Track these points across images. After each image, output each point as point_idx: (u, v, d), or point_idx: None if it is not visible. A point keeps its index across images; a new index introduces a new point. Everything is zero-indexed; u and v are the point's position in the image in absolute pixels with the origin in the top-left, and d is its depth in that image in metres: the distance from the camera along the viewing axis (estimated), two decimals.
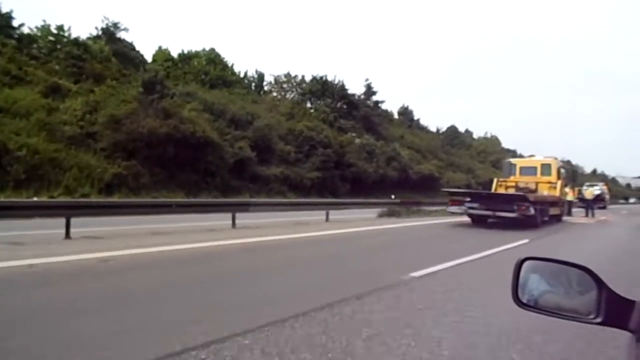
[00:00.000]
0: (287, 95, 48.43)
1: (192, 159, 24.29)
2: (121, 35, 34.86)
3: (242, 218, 11.11)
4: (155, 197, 20.65)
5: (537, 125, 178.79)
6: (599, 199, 39.30)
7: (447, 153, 70.66)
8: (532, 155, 20.97)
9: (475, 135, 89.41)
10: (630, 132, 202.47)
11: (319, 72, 48.06)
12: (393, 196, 31.74)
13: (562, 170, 19.27)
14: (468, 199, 14.15)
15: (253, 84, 47.87)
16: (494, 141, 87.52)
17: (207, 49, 41.44)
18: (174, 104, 24.05)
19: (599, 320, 1.12)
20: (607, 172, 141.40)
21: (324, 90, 45.91)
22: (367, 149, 41.78)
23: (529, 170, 18.35)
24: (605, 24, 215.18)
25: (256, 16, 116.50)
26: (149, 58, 39.70)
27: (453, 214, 14.55)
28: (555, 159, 18.93)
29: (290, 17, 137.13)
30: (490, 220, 13.84)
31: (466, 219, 14.54)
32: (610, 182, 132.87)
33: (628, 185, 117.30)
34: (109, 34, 33.07)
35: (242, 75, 46.23)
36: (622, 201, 76.32)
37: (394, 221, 14.48)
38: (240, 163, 27.29)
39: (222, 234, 9.43)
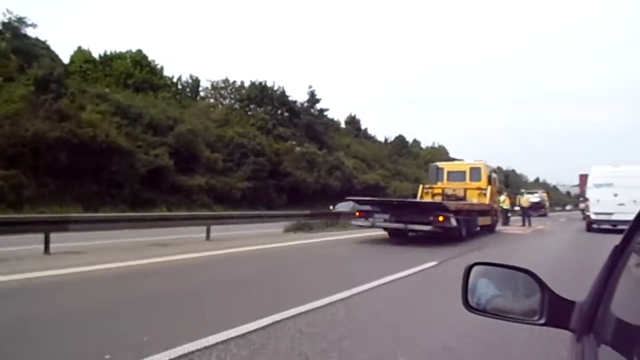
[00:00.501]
0: (225, 102, 45.68)
1: (94, 167, 21.18)
2: (28, 31, 31.14)
3: (76, 239, 8.42)
4: (42, 211, 17.51)
5: (485, 136, 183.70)
6: (539, 206, 38.93)
7: (395, 162, 69.84)
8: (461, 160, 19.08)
9: (423, 145, 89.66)
10: (568, 144, 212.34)
11: (261, 79, 45.83)
12: (332, 207, 29.69)
13: (494, 176, 17.46)
14: (377, 209, 11.93)
15: (188, 90, 44.80)
16: (441, 150, 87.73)
17: (134, 50, 38.21)
18: (72, 106, 20.94)
19: (542, 321, 1.17)
20: (548, 181, 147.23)
21: (263, 96, 43.49)
22: (307, 158, 39.63)
23: (457, 175, 16.20)
24: (540, 47, 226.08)
25: (193, 19, 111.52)
26: (66, 58, 36.01)
27: (361, 227, 12.17)
28: (485, 163, 16.93)
29: (230, 22, 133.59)
30: (411, 234, 11.71)
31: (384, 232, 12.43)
32: (552, 190, 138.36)
33: (568, 193, 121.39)
34: (12, 29, 29.42)
35: (175, 79, 43.09)
36: (558, 208, 77.98)
37: (299, 237, 12.09)
38: (155, 172, 24.32)
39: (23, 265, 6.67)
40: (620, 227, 14.77)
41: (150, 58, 38.98)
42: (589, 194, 18.92)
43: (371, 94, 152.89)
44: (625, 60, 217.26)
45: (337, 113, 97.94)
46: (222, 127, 33.83)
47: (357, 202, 14.07)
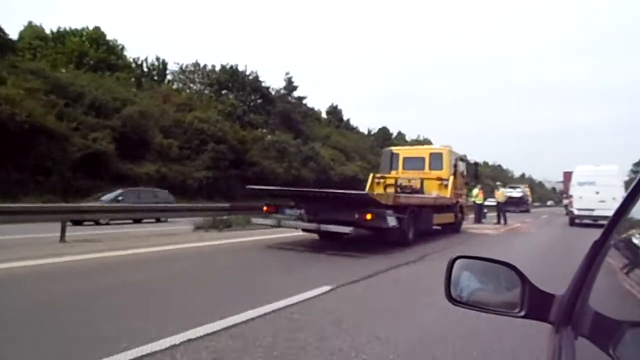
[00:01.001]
0: (195, 87, 42.94)
1: (14, 151, 18.53)
2: None
3: None
4: None
5: (471, 132, 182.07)
6: (521, 202, 36.90)
7: (377, 155, 67.61)
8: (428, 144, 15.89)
9: (408, 138, 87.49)
10: (555, 141, 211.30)
11: (235, 64, 43.09)
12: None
13: (460, 165, 14.52)
14: (292, 203, 9.26)
15: (154, 72, 41.95)
16: (425, 144, 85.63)
17: (91, 27, 35.27)
18: None
19: (522, 313, 1.18)
20: (535, 177, 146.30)
21: (233, 81, 40.80)
22: (278, 147, 37.10)
23: (414, 163, 13.52)
24: (532, 42, 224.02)
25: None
26: (14, 34, 33.01)
27: (271, 226, 9.15)
28: (451, 149, 13.84)
29: (205, 4, 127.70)
30: (345, 236, 8.52)
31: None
32: (537, 186, 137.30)
33: (553, 189, 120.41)
34: None
35: (140, 61, 40.24)
36: (537, 204, 76.89)
37: (204, 237, 9.55)
38: (92, 158, 21.63)
39: None
40: (600, 222, 16.07)
41: (109, 37, 36.15)
42: (573, 191, 20.14)
43: (356, 85, 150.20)
44: (609, 58, 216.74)
45: (319, 103, 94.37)
46: (181, 111, 31.14)
47: (255, 191, 11.18)
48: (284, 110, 48.56)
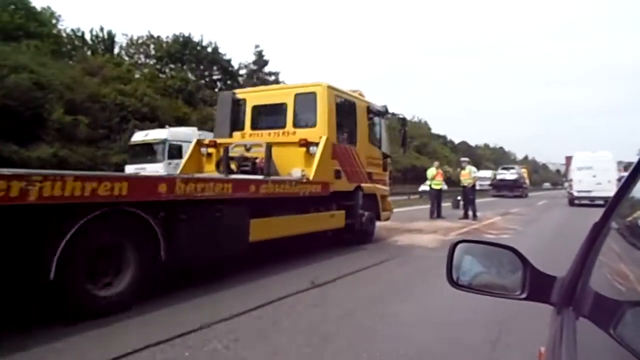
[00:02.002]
0: (147, 60, 37.54)
1: None
2: None
3: None
4: None
5: (474, 115, 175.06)
6: (515, 185, 31.49)
7: None
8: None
9: None
10: (559, 123, 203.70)
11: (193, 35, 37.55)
12: None
13: (377, 122, 9.03)
14: None
15: (100, 45, 36.56)
16: (421, 125, 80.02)
17: None
18: None
19: (524, 295, 1.19)
20: (538, 159, 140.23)
21: (185, 53, 35.37)
22: None
23: (271, 117, 8.02)
24: (528, 26, 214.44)
25: None
26: None
27: None
28: (339, 89, 8.04)
29: None
30: None
31: None
32: (541, 168, 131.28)
33: (558, 171, 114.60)
34: None
35: (80, 32, 34.84)
36: (548, 185, 71.19)
37: None
38: None
39: None
40: (597, 202, 18.76)
41: (34, 4, 30.78)
42: (572, 175, 22.09)
43: (351, 64, 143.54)
44: (612, 37, 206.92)
45: (300, 79, 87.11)
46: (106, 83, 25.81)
47: None
48: (252, 86, 43.12)
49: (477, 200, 25.47)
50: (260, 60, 45.00)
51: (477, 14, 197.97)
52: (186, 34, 35.92)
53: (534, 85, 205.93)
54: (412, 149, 71.82)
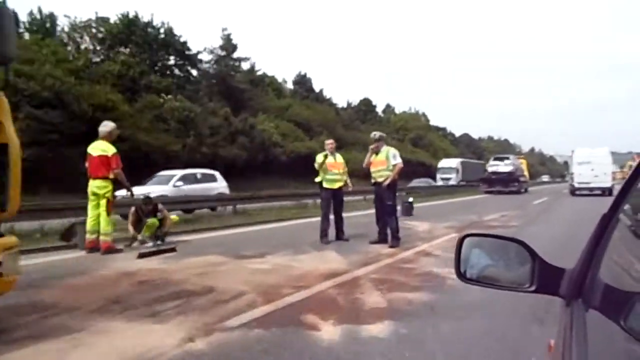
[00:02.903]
0: (91, 44, 33.06)
1: None
2: None
3: None
4: None
5: (479, 109, 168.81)
6: (511, 179, 26.58)
7: (353, 129, 57.51)
8: None
9: (398, 111, 76.89)
10: (565, 116, 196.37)
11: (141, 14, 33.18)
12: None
13: None
14: None
15: (36, 28, 32.21)
16: (417, 117, 75.05)
17: None
18: None
19: (533, 288, 1.18)
20: (545, 151, 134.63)
21: (130, 34, 30.87)
22: (179, 117, 27.31)
23: None
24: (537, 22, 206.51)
25: None
26: None
27: None
28: None
29: None
30: None
31: None
32: (549, 160, 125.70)
33: (565, 162, 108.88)
34: None
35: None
36: (547, 178, 65.47)
37: None
38: None
39: None
40: (594, 192, 23.20)
41: None
42: (574, 169, 25.00)
43: (343, 51, 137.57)
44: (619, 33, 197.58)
45: (285, 72, 79.16)
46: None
47: None
48: (219, 73, 38.75)
49: (453, 200, 20.64)
50: (228, 45, 40.46)
51: (486, 11, 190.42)
52: (133, 14, 31.32)
53: (542, 79, 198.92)
54: (408, 141, 67.26)
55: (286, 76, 57.10)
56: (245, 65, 43.20)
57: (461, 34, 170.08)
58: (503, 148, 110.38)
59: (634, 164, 1.28)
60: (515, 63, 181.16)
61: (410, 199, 12.98)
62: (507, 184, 25.32)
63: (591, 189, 23.40)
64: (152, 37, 31.56)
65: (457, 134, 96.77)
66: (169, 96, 27.57)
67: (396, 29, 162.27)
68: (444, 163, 38.88)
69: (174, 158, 24.87)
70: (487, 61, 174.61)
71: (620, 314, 0.75)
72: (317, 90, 58.91)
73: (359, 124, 61.38)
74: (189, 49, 33.80)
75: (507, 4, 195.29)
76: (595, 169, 23.19)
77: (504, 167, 26.15)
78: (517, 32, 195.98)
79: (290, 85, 57.11)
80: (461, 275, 1.30)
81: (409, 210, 12.49)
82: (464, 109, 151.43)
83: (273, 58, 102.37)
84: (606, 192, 22.37)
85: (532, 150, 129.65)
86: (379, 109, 73.64)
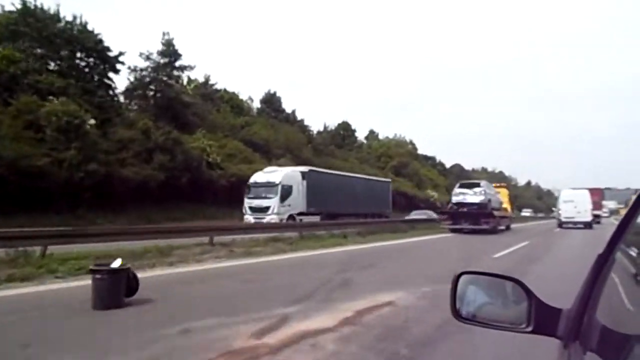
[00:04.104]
0: None
1: None
2: None
3: None
4: None
5: (472, 139, 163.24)
6: (483, 214, 19.89)
7: (326, 154, 51.61)
8: None
9: (382, 136, 71.16)
10: (564, 150, 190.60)
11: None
12: None
13: None
14: None
15: None
16: (402, 143, 69.26)
17: None
18: None
19: (530, 329, 1.14)
20: (543, 185, 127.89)
21: (26, 25, 25.22)
22: (62, 126, 21.22)
23: None
24: (543, 46, 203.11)
25: None
26: None
27: None
28: None
29: None
30: None
31: None
32: (546, 194, 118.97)
33: None
34: None
35: None
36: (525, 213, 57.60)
37: None
38: None
39: None
40: (578, 225, 26.61)
41: None
42: (560, 206, 29.00)
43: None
44: (622, 62, 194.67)
45: (254, 91, 71.50)
46: None
47: None
48: (152, 84, 33.08)
49: (385, 243, 14.57)
50: (170, 51, 34.89)
51: (477, 38, 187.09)
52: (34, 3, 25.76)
53: (539, 110, 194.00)
54: (389, 169, 61.28)
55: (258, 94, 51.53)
56: (193, 76, 37.74)
57: (454, 66, 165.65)
58: (497, 180, 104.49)
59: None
60: (513, 95, 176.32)
61: None
62: (476, 219, 19.04)
63: (575, 223, 26.90)
64: (56, 31, 25.88)
65: (449, 164, 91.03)
66: (51, 97, 21.60)
67: (389, 56, 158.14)
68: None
69: (37, 176, 18.67)
70: (484, 92, 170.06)
71: (619, 357, 0.73)
72: (289, 111, 53.37)
73: (334, 149, 55.55)
74: (108, 49, 28.05)
75: (507, 35, 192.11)
76: (577, 206, 27.05)
77: (472, 196, 19.60)
78: (516, 65, 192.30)
79: (257, 104, 51.62)
80: (457, 315, 1.26)
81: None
82: (456, 140, 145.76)
83: (248, 76, 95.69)
84: (587, 225, 26.32)
85: (529, 183, 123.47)
86: (362, 134, 68.28)
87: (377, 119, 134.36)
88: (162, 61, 34.41)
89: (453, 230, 19.41)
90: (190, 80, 42.65)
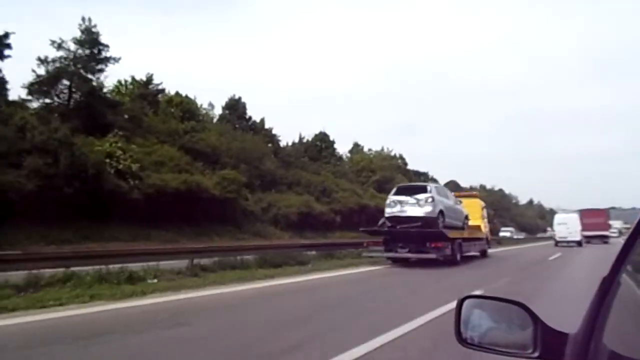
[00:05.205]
0: None
1: None
2: None
3: None
4: None
5: (472, 158, 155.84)
6: (429, 234, 12.03)
7: (296, 166, 45.46)
8: None
9: (367, 149, 64.91)
10: (568, 169, 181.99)
11: None
12: None
13: None
14: None
15: None
16: (387, 157, 63.00)
17: None
18: None
19: (536, 354, 1.11)
20: (545, 204, 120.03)
21: None
22: None
23: None
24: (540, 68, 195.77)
25: None
26: None
27: None
28: None
29: None
30: None
31: None
32: (548, 214, 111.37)
33: None
34: None
35: None
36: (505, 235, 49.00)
37: None
38: None
39: None
40: (570, 244, 30.44)
41: None
42: (555, 228, 34.02)
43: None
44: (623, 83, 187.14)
45: (217, 97, 63.06)
46: None
47: None
48: (59, 76, 27.38)
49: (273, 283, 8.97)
50: (89, 40, 29.19)
51: (482, 59, 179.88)
52: None
53: (542, 130, 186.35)
54: (371, 184, 54.92)
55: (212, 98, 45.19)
56: (137, 75, 31.96)
57: (452, 83, 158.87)
58: (496, 198, 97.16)
59: None
60: (513, 112, 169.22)
61: None
62: (420, 243, 12.44)
63: (568, 242, 30.71)
64: None
65: (443, 181, 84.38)
66: None
67: (387, 74, 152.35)
68: None
69: None
70: (484, 108, 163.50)
71: None
72: (257, 118, 47.44)
73: (307, 161, 49.34)
74: None
75: (508, 54, 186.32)
76: (569, 228, 31.60)
77: (413, 207, 12.65)
78: (516, 82, 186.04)
79: (218, 110, 45.85)
80: (461, 340, 1.24)
81: None
82: (452, 156, 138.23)
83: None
84: (577, 244, 30.61)
85: (531, 202, 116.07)
86: (346, 148, 62.12)
87: (365, 134, 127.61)
88: (80, 52, 28.63)
89: (393, 260, 12.91)
90: (134, 81, 37.26)
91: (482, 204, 19.08)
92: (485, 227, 18.13)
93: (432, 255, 11.97)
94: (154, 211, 24.85)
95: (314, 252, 12.76)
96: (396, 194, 13.13)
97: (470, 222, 16.64)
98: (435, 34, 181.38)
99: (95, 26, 28.94)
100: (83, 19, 28.79)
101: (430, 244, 12.01)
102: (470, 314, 1.25)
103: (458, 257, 13.28)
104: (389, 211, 12.73)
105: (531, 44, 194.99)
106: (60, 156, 21.00)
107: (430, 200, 12.66)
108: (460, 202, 15.84)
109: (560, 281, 10.30)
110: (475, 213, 17.21)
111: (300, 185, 42.75)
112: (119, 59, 29.54)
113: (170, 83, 60.11)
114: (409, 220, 12.24)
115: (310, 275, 10.22)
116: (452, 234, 12.74)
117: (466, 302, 1.26)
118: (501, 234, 48.92)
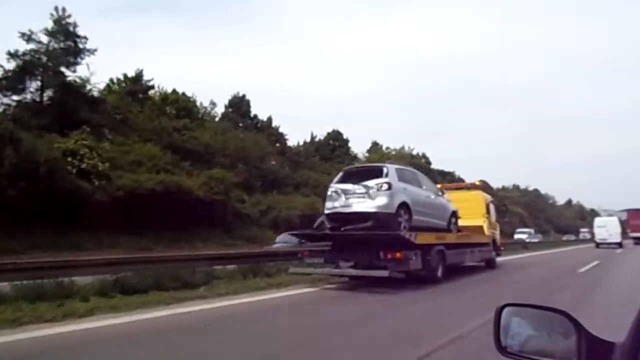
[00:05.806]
0: None
1: None
2: None
3: None
4: None
5: (510, 157, 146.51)
6: (384, 239, 7.44)
7: (305, 167, 42.29)
8: None
9: (385, 148, 60.84)
10: (611, 167, 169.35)
11: None
12: None
13: None
14: None
15: None
16: (406, 156, 58.69)
17: None
18: None
19: None
20: (586, 205, 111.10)
21: None
22: None
23: None
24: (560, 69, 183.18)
25: None
26: None
27: None
28: None
29: None
30: None
31: None
32: (589, 214, 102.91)
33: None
34: None
35: None
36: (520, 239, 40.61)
37: None
38: None
39: None
40: (611, 246, 31.47)
41: None
42: (595, 230, 35.36)
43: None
44: None
45: (220, 97, 59.33)
46: None
47: None
48: (26, 70, 25.31)
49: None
50: (64, 32, 27.14)
51: (521, 59, 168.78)
52: None
53: (580, 129, 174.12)
54: None
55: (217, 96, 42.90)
56: (120, 69, 29.63)
57: (480, 85, 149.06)
58: (530, 198, 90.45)
59: None
60: (547, 111, 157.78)
61: None
62: (372, 251, 8.44)
63: (608, 244, 32.27)
64: None
65: (471, 180, 78.63)
66: None
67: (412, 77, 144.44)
68: None
69: None
70: (517, 108, 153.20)
71: None
72: (263, 117, 44.51)
73: (318, 160, 45.98)
74: None
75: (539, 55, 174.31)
76: (609, 230, 33.51)
77: (361, 200, 8.60)
78: (552, 82, 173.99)
79: (220, 108, 43.16)
80: (501, 349, 1.20)
81: None
82: (483, 157, 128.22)
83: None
84: (618, 245, 32.09)
85: (569, 202, 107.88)
86: (363, 147, 58.32)
87: (387, 136, 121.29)
88: (53, 44, 26.44)
89: (334, 275, 9.22)
90: (126, 78, 35.07)
91: (487, 197, 14.46)
92: (491, 228, 13.99)
93: (384, 273, 8.06)
94: (124, 215, 22.04)
95: (233, 266, 9.23)
96: (341, 180, 9.27)
97: (470, 222, 12.77)
98: (465, 33, 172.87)
99: (69, 16, 26.67)
100: (56, 9, 26.55)
101: (386, 254, 8.29)
102: (509, 322, 1.21)
103: (439, 272, 9.45)
104: (329, 206, 8.82)
105: (567, 45, 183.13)
106: (4, 154, 18.50)
107: (385, 187, 8.50)
108: (443, 192, 11.77)
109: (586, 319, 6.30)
110: (476, 209, 13.17)
111: (308, 186, 39.45)
112: (95, 50, 27.08)
113: (178, 83, 57.83)
114: (356, 218, 8.51)
115: (189, 307, 6.68)
116: (422, 238, 8.83)
117: (505, 310, 1.23)
118: (516, 236, 43.24)
